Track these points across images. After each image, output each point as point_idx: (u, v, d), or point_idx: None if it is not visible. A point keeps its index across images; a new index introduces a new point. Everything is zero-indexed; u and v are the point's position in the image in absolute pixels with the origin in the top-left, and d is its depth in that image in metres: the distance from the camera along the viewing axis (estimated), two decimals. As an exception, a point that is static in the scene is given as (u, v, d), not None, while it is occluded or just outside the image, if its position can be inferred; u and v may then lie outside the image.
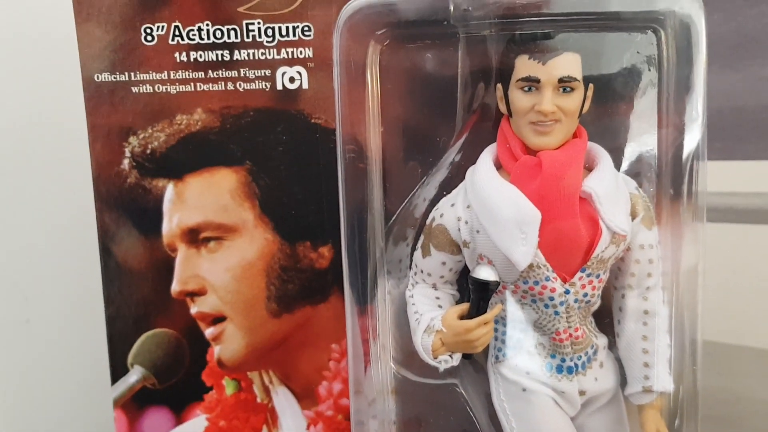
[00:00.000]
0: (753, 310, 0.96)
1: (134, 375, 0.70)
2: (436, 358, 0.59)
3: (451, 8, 0.58)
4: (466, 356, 0.61)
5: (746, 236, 0.96)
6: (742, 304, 0.96)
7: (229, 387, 0.70)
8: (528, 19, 0.57)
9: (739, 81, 0.95)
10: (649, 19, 0.57)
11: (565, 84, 0.55)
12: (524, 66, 0.56)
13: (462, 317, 0.58)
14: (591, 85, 0.57)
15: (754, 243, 0.96)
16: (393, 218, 0.64)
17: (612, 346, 0.62)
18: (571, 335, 0.59)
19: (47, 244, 0.93)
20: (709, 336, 0.93)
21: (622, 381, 0.62)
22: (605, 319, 0.62)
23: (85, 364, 0.91)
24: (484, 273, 0.57)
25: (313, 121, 0.65)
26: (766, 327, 0.96)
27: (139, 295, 0.69)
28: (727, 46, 0.96)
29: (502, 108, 0.59)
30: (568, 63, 0.55)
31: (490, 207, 0.57)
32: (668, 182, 0.59)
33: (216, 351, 0.69)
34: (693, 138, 0.57)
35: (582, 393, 0.60)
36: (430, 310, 0.61)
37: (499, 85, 0.58)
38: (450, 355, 0.59)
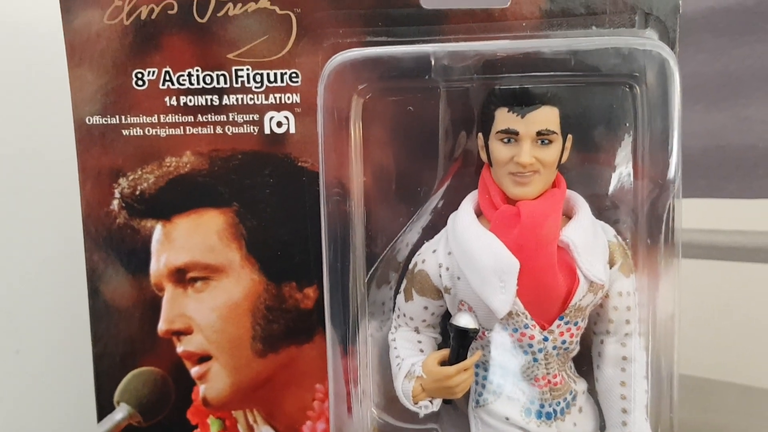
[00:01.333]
0: (736, 346, 0.97)
1: (120, 412, 0.71)
2: (416, 403, 0.60)
3: (432, 62, 0.59)
4: (446, 401, 0.62)
5: (729, 273, 0.97)
6: (725, 339, 0.97)
7: (213, 426, 0.71)
8: (507, 75, 0.58)
9: (723, 120, 0.97)
10: (625, 75, 0.59)
11: (543, 137, 0.56)
12: (503, 118, 0.57)
13: (442, 363, 0.59)
14: (570, 136, 0.58)
15: (737, 280, 0.97)
16: (377, 262, 0.65)
17: (592, 390, 0.63)
18: (549, 381, 0.60)
19: (38, 282, 0.94)
20: (694, 372, 0.94)
21: (601, 425, 0.62)
22: (583, 366, 0.62)
23: (71, 400, 0.92)
24: (464, 320, 0.58)
25: (299, 164, 0.66)
26: (750, 363, 0.96)
27: (126, 333, 0.70)
28: (712, 85, 0.97)
29: (483, 157, 0.60)
30: (546, 116, 0.56)
31: (470, 255, 0.58)
32: (644, 233, 0.60)
33: (201, 390, 0.70)
34: (668, 189, 0.59)
35: (561, 438, 0.61)
36: (411, 354, 0.62)
37: (480, 135, 0.60)
38: (430, 401, 0.60)
